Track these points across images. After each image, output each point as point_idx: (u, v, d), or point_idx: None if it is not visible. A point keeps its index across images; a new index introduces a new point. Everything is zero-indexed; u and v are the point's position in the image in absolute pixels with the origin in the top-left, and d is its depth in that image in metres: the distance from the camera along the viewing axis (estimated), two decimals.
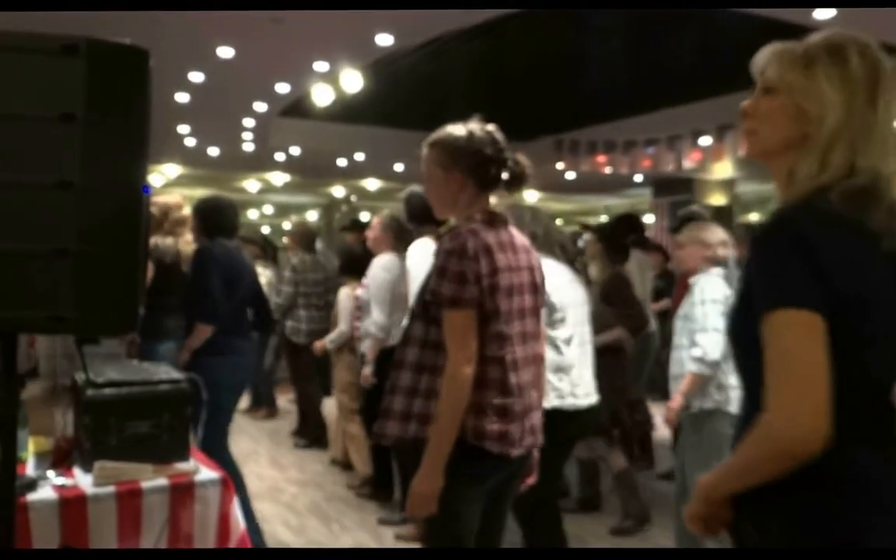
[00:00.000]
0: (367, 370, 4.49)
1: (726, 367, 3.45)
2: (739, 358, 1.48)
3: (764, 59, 1.49)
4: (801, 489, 1.29)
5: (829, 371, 1.24)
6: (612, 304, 4.67)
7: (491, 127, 2.40)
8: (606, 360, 4.71)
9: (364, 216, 13.43)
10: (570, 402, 3.34)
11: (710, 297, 3.58)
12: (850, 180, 1.33)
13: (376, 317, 4.50)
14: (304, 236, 6.63)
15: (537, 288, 2.45)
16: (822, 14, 5.60)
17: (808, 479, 1.27)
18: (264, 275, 7.23)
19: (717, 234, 3.83)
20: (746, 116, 1.50)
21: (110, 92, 1.61)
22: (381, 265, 4.65)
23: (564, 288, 3.40)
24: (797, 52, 1.44)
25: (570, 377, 3.37)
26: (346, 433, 5.55)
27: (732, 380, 3.43)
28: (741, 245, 4.23)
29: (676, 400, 3.61)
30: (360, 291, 4.83)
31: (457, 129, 2.37)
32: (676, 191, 13.04)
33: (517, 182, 2.43)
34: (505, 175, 2.39)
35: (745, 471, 1.35)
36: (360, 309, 4.77)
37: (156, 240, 4.37)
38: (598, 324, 4.69)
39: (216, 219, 4.16)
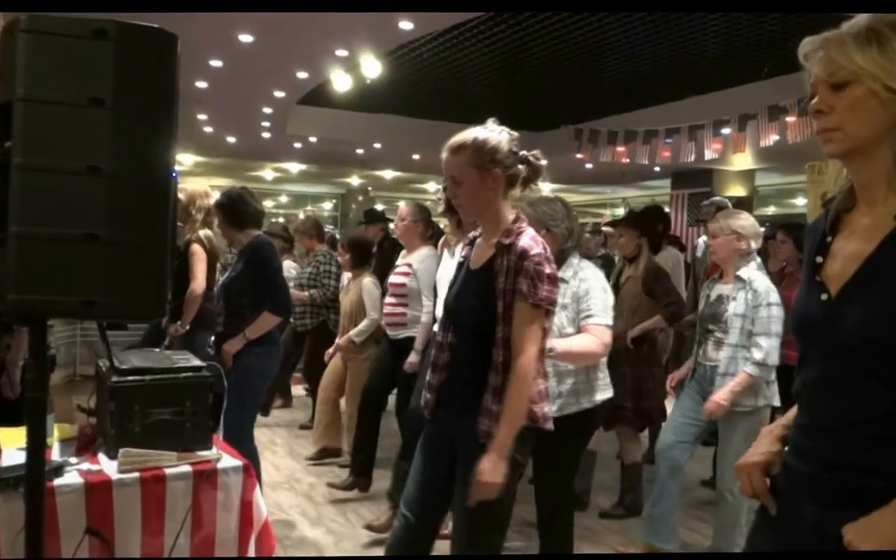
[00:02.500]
0: (415, 358, 4.55)
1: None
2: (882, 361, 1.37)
3: (819, 51, 1.42)
4: None
5: None
6: (652, 294, 4.70)
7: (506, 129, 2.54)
8: (645, 351, 4.71)
9: (379, 207, 13.42)
10: (599, 398, 3.37)
11: (775, 300, 3.64)
12: None
13: (428, 304, 4.62)
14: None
15: None
16: None
17: None
18: (294, 268, 7.25)
19: (750, 223, 3.81)
20: (821, 115, 1.42)
21: (139, 76, 1.60)
22: (427, 254, 4.79)
23: (607, 287, 3.40)
24: (861, 34, 1.38)
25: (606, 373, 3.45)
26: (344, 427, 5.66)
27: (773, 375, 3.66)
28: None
29: (725, 396, 3.61)
30: (402, 279, 4.80)
31: (488, 132, 2.47)
32: (695, 182, 12.95)
33: (534, 178, 2.58)
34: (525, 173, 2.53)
35: None
36: (406, 296, 4.76)
37: (207, 231, 4.57)
38: (640, 314, 4.69)
39: (247, 210, 4.19)
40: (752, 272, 3.74)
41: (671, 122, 10.11)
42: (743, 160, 11.51)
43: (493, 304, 2.39)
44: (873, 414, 1.37)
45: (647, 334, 4.75)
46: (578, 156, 11.75)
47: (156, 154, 1.63)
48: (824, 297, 1.45)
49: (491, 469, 2.28)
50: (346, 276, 6.11)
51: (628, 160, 10.94)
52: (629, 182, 15.60)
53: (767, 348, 3.55)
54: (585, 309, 3.23)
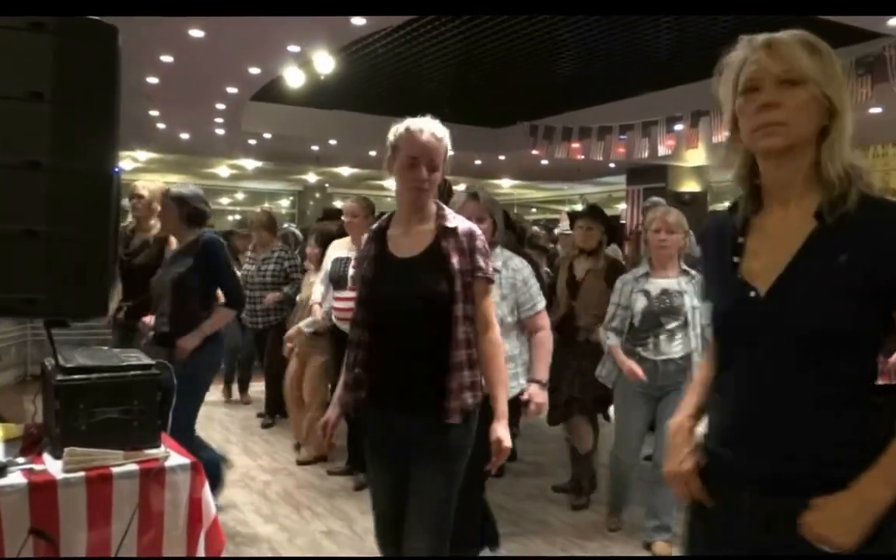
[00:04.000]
0: None
1: None
2: (839, 349, 1.43)
3: (772, 47, 1.46)
4: None
5: None
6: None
7: None
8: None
9: (338, 204, 13.34)
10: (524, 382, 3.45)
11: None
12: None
13: None
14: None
15: None
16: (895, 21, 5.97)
17: None
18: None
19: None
20: (770, 109, 1.45)
21: (79, 70, 1.58)
22: None
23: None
24: (805, 42, 1.46)
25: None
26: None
27: None
28: None
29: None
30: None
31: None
32: (650, 178, 13.13)
33: None
34: None
35: None
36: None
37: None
38: (601, 308, 4.75)
39: (205, 209, 4.19)
40: (684, 266, 4.01)
41: (625, 119, 10.25)
42: (697, 156, 11.71)
43: (450, 284, 2.42)
44: (806, 402, 1.44)
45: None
46: (534, 152, 11.85)
47: (97, 149, 1.62)
48: (752, 294, 1.49)
49: (506, 435, 2.43)
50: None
51: (583, 156, 11.05)
52: (585, 178, 15.77)
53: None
54: (529, 299, 3.37)
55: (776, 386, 1.46)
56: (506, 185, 19.83)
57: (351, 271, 4.78)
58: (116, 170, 1.65)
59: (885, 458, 1.38)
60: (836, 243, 1.43)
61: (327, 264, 5.12)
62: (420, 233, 2.52)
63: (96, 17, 1.63)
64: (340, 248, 5.13)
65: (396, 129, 2.51)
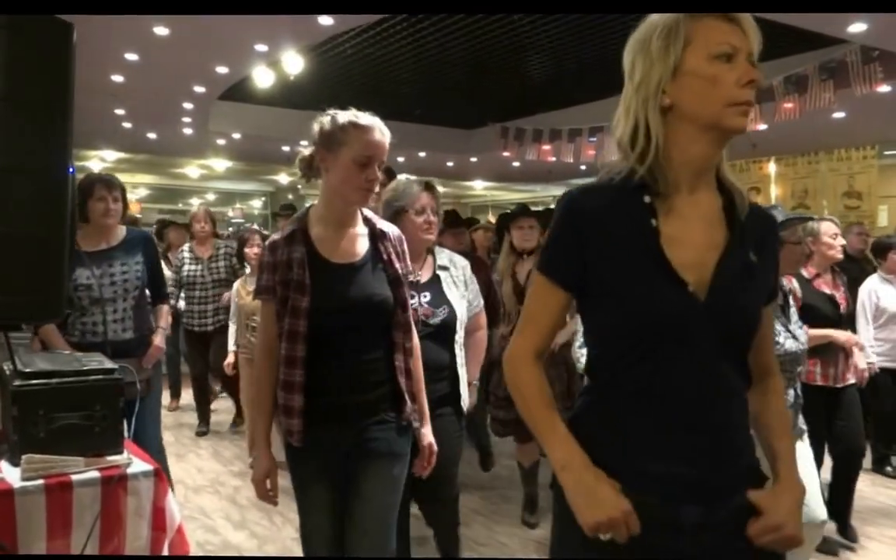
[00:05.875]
0: None
1: None
2: (750, 345, 1.46)
3: (751, 26, 1.40)
4: None
5: None
6: None
7: None
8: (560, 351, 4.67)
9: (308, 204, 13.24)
10: None
11: None
12: None
13: None
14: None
15: None
16: (857, 28, 6.14)
17: None
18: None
19: None
20: (754, 86, 1.38)
21: (31, 67, 1.53)
22: None
23: None
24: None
25: None
26: None
27: None
28: None
29: None
30: None
31: None
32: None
33: None
34: None
35: None
36: None
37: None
38: None
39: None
40: None
41: (595, 121, 10.28)
42: None
43: (395, 290, 2.39)
44: (731, 401, 1.43)
45: None
46: (505, 154, 11.86)
47: (51, 147, 1.57)
48: (690, 290, 1.37)
49: (433, 439, 2.55)
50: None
51: (554, 159, 11.08)
52: (557, 180, 15.81)
53: None
54: (475, 295, 3.31)
55: (713, 386, 1.39)
56: (478, 186, 19.83)
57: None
58: (71, 169, 1.60)
59: (783, 445, 1.48)
60: (744, 241, 1.43)
61: None
62: (352, 236, 2.41)
63: (50, 15, 1.58)
64: None
65: (335, 123, 2.32)
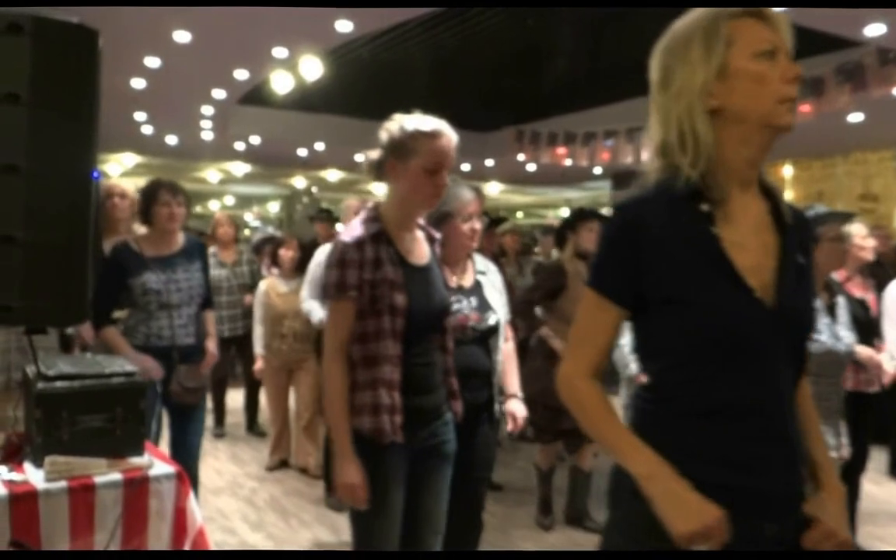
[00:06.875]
0: None
1: None
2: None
3: (789, 28, 1.39)
4: None
5: None
6: None
7: None
8: None
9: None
10: None
11: None
12: None
13: None
14: None
15: None
16: (874, 30, 6.09)
17: None
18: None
19: None
20: (798, 83, 1.37)
21: (58, 73, 1.55)
22: None
23: None
24: None
25: None
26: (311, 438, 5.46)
27: None
28: None
29: None
30: None
31: None
32: (635, 183, 13.14)
33: None
34: None
35: None
36: None
37: None
38: None
39: None
40: None
41: (610, 125, 10.26)
42: None
43: (447, 294, 2.47)
44: (795, 407, 1.42)
45: None
46: (520, 157, 11.85)
47: (76, 153, 1.59)
48: (758, 295, 1.35)
49: None
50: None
51: (569, 162, 11.07)
52: (571, 183, 15.78)
53: None
54: (505, 303, 3.18)
55: (785, 394, 1.38)
56: (494, 190, 19.83)
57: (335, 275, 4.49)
58: (95, 174, 1.62)
59: (821, 450, 1.48)
60: (793, 244, 1.43)
61: (318, 270, 4.64)
62: (419, 239, 2.43)
63: (76, 21, 1.60)
64: None
65: (403, 131, 2.27)
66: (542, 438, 4.40)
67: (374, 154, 2.35)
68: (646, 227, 1.38)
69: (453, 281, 2.87)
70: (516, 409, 3.08)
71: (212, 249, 6.48)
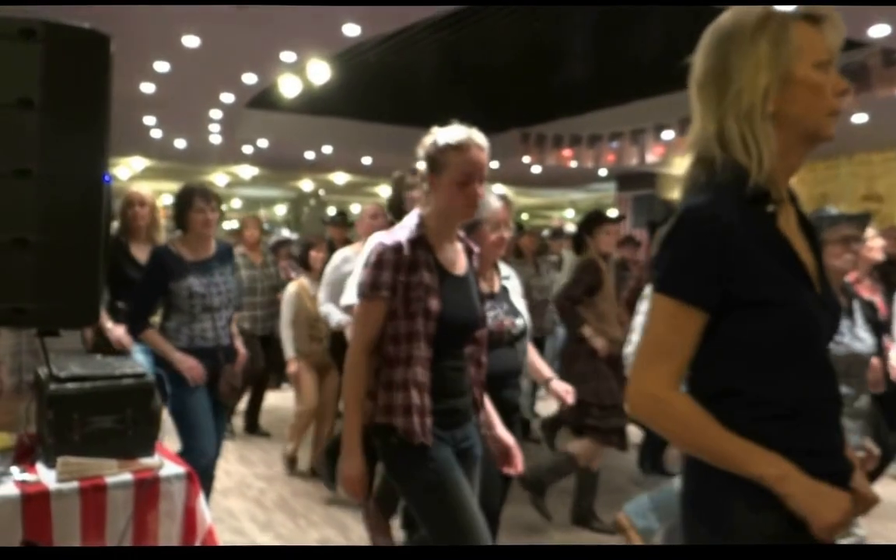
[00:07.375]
0: None
1: None
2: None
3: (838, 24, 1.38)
4: None
5: None
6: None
7: None
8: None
9: (331, 211, 13.32)
10: None
11: None
12: None
13: None
14: None
15: None
16: (878, 30, 6.09)
17: None
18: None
19: None
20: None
21: (70, 77, 1.57)
22: None
23: None
24: None
25: None
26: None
27: None
28: None
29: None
30: None
31: None
32: (640, 185, 13.15)
33: None
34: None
35: None
36: None
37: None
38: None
39: None
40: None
41: (615, 127, 10.26)
42: (684, 164, 11.73)
43: (482, 306, 2.53)
44: None
45: None
46: (526, 159, 11.86)
47: (88, 156, 1.61)
48: (821, 293, 1.40)
49: None
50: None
51: (575, 163, 11.08)
52: (576, 185, 15.77)
53: None
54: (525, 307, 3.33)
55: (837, 385, 1.46)
56: (498, 192, 19.81)
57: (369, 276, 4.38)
58: (107, 178, 1.64)
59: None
60: (818, 245, 1.50)
61: (334, 273, 4.58)
62: (458, 249, 2.47)
63: (88, 26, 1.63)
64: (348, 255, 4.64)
65: (436, 145, 2.32)
66: (599, 438, 4.39)
67: (422, 166, 2.40)
68: (729, 229, 1.33)
69: (484, 288, 2.91)
70: (559, 388, 3.34)
71: (240, 250, 6.43)
